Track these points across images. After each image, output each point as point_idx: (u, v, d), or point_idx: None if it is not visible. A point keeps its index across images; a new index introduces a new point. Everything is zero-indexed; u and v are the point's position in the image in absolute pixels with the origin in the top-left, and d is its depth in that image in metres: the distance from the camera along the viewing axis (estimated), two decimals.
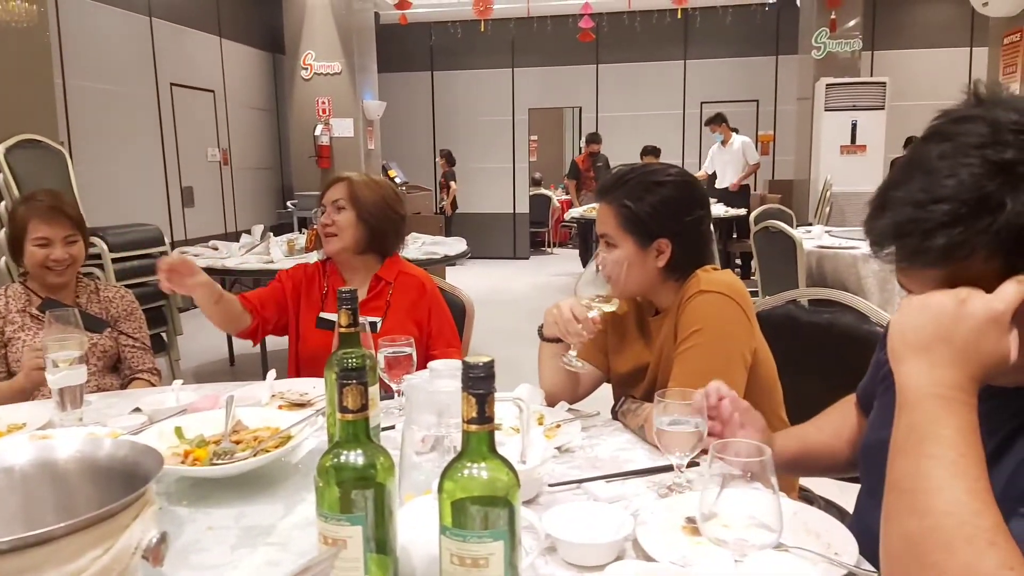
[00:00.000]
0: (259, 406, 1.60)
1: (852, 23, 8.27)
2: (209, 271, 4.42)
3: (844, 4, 7.99)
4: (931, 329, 0.77)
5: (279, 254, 4.57)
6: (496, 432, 0.72)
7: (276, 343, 5.12)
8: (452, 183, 10.51)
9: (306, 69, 8.48)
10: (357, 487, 0.73)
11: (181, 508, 1.18)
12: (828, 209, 7.35)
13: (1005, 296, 0.75)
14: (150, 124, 6.94)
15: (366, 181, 2.12)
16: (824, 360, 1.88)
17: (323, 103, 8.48)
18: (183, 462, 1.26)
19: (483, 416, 0.69)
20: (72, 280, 2.17)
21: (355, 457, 0.74)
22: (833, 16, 8.07)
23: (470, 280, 2.19)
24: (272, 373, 1.81)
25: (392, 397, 1.66)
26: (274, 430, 1.37)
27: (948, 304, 0.77)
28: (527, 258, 10.95)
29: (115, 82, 6.45)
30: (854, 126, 7.95)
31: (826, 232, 5.75)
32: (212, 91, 7.90)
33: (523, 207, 11.01)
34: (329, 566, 0.63)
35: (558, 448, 1.37)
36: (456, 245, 5.27)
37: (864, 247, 4.71)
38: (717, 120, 8.17)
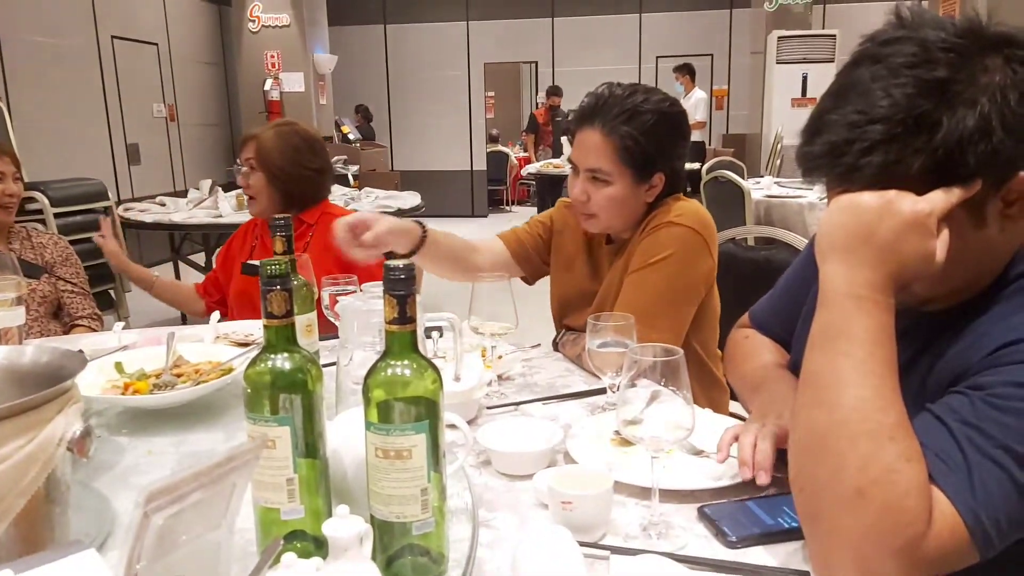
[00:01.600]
0: (200, 343, 1.60)
1: None
2: (156, 227, 4.38)
3: None
4: (854, 228, 0.78)
5: (228, 208, 4.50)
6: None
7: None
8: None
9: (253, 21, 8.25)
10: (285, 391, 0.75)
11: (121, 437, 1.20)
12: (779, 162, 7.45)
13: (932, 199, 0.77)
14: (92, 78, 6.71)
15: (276, 134, 2.05)
16: (759, 294, 1.95)
17: (272, 57, 8.28)
18: (123, 393, 1.26)
19: (404, 316, 0.72)
20: (10, 224, 2.15)
21: (282, 361, 0.76)
22: None
23: None
24: (216, 315, 1.82)
25: (337, 336, 1.67)
26: (215, 364, 1.39)
27: (873, 203, 0.78)
28: (485, 216, 10.93)
29: (53, 34, 6.20)
30: (804, 79, 8.03)
31: (775, 183, 5.86)
32: (156, 44, 7.65)
33: (480, 164, 10.94)
34: (254, 458, 0.66)
35: (499, 376, 1.41)
36: (410, 199, 5.26)
37: (810, 195, 4.86)
38: (684, 70, 8.18)
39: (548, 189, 8.70)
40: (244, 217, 4.46)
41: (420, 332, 0.85)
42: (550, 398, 1.33)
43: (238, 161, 2.08)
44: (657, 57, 10.33)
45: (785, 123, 7.90)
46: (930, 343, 0.88)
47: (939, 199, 0.77)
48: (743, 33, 9.74)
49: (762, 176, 6.43)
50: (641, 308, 1.36)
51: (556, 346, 1.63)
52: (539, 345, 1.63)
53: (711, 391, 1.60)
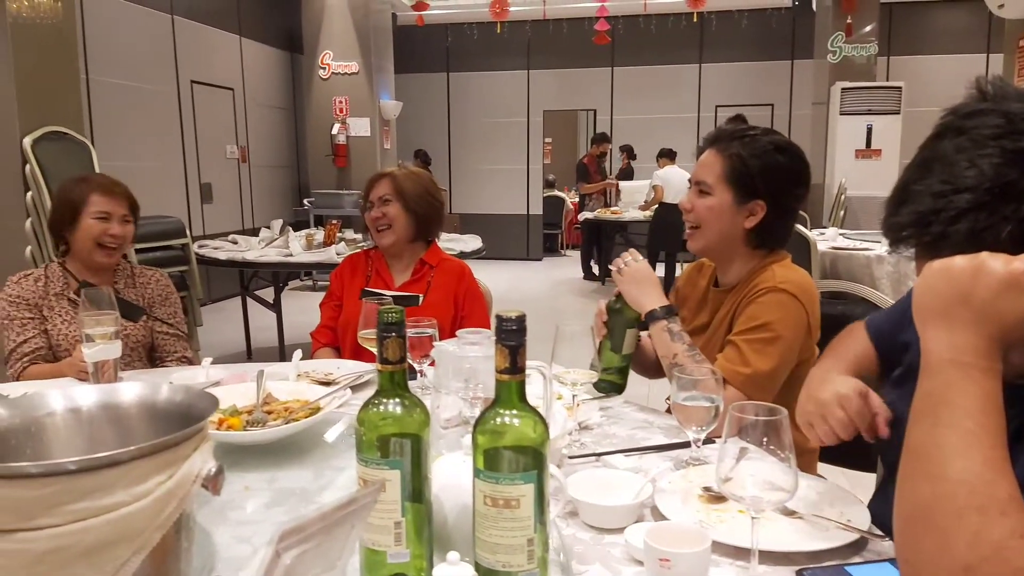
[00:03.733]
0: (287, 382, 1.65)
1: (868, 28, 8.27)
2: (230, 264, 4.53)
3: (859, 9, 8.00)
4: (949, 292, 0.78)
5: (298, 248, 4.64)
6: None
7: (292, 337, 5.21)
8: None
9: (324, 68, 8.56)
10: (396, 435, 0.77)
11: None
12: (843, 213, 7.34)
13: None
14: (171, 120, 7.04)
15: (407, 174, 2.25)
16: None
17: (340, 102, 8.56)
18: (218, 429, 1.31)
19: (515, 366, 0.74)
20: (114, 264, 2.17)
21: (394, 406, 0.78)
22: (849, 21, 8.07)
23: (485, 280, 2.25)
24: (298, 353, 1.86)
25: (414, 377, 1.71)
26: (303, 402, 1.42)
27: (966, 265, 0.77)
28: (540, 259, 10.99)
29: (137, 78, 6.55)
30: (869, 130, 7.94)
31: (840, 235, 5.76)
32: (231, 89, 8.00)
33: (537, 208, 11.05)
34: (372, 501, 0.68)
35: (579, 425, 1.41)
36: (471, 243, 5.34)
37: (878, 248, 4.76)
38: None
39: (596, 236, 8.72)
40: (312, 257, 4.60)
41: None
42: (633, 450, 1.33)
43: (368, 200, 2.21)
44: (716, 106, 10.35)
45: (849, 174, 7.80)
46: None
47: None
48: (805, 83, 9.71)
49: (826, 227, 6.34)
50: (736, 372, 1.44)
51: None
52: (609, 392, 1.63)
53: (800, 457, 1.59)
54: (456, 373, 1.05)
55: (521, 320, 0.73)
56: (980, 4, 8.94)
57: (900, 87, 7.83)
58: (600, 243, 8.79)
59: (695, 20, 9.67)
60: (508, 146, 10.89)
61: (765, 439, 0.86)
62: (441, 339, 1.68)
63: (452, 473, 0.83)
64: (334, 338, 2.19)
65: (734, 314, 1.56)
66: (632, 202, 8.46)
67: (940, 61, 9.61)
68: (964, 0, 9.34)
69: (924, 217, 0.80)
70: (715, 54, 10.31)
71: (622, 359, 1.59)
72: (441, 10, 9.83)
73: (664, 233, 7.50)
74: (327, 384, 1.69)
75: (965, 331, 0.77)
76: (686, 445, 1.33)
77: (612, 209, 8.65)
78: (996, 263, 0.76)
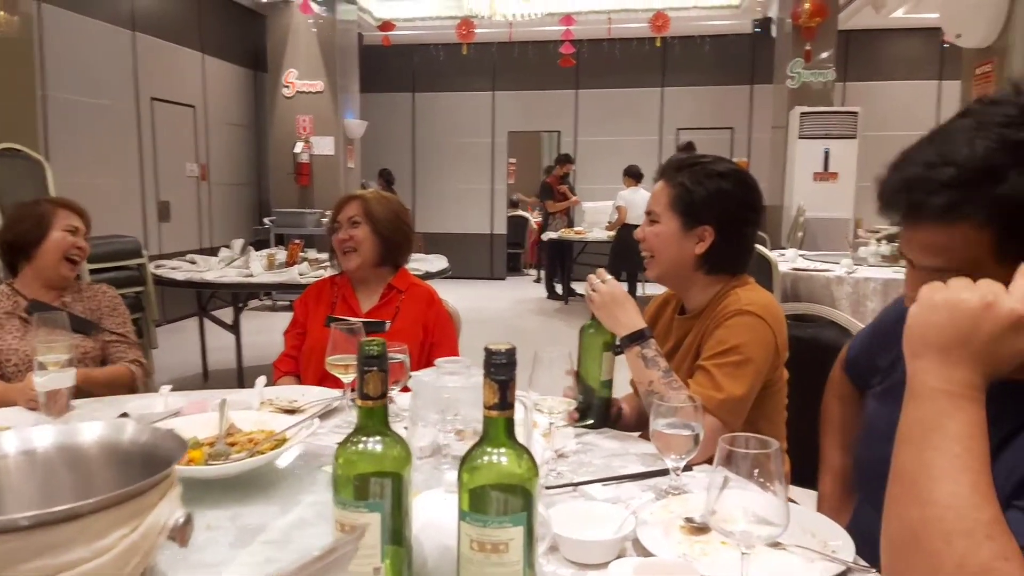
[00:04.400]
0: (251, 410, 1.59)
1: (826, 54, 8.48)
2: (187, 284, 4.42)
3: (818, 36, 8.19)
4: (952, 331, 0.78)
5: (259, 268, 4.54)
6: None
7: (251, 358, 5.09)
8: None
9: (288, 87, 8.49)
10: (376, 475, 0.74)
11: None
12: (801, 234, 7.47)
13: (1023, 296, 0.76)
14: (129, 137, 6.89)
15: (378, 197, 2.23)
16: (807, 373, 1.91)
17: (304, 121, 8.48)
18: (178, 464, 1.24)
19: (504, 402, 0.71)
20: (74, 278, 2.21)
21: (375, 444, 0.74)
22: (808, 47, 8.26)
23: (449, 299, 2.23)
24: (262, 379, 1.81)
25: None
26: (269, 432, 1.37)
27: (973, 306, 0.77)
28: (503, 279, 10.98)
29: (96, 94, 6.40)
30: (827, 154, 8.10)
31: (800, 255, 5.86)
32: (192, 106, 7.87)
33: (501, 228, 11.06)
34: (353, 549, 0.64)
35: (554, 452, 1.38)
36: (437, 263, 5.29)
37: (837, 269, 4.85)
38: (688, 149, 8.32)
39: (559, 255, 8.74)
40: (274, 277, 4.51)
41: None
42: (611, 479, 1.30)
43: (336, 222, 2.18)
44: (678, 129, 10.51)
45: (807, 196, 7.95)
46: (1013, 434, 0.86)
47: None
48: (764, 108, 9.89)
49: (785, 248, 6.43)
50: (709, 397, 1.42)
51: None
52: (590, 421, 1.60)
53: None
54: (434, 404, 1.02)
55: (511, 353, 0.70)
56: (933, 33, 9.27)
57: (856, 112, 8.01)
58: (564, 262, 8.81)
59: (658, 45, 9.81)
60: (473, 166, 10.90)
61: (756, 471, 0.84)
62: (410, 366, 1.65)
63: (433, 512, 0.79)
64: (296, 367, 2.13)
65: (701, 339, 1.55)
66: (596, 222, 8.50)
67: (894, 87, 9.91)
68: (918, 29, 9.65)
69: (908, 183, 0.84)
70: (677, 78, 10.47)
71: (601, 386, 1.56)
72: (408, 31, 9.83)
73: (626, 254, 7.54)
74: (292, 412, 1.64)
75: (961, 368, 0.77)
76: (665, 473, 1.30)
77: (576, 229, 8.69)
78: (1002, 308, 0.76)
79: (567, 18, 8.76)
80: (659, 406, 1.21)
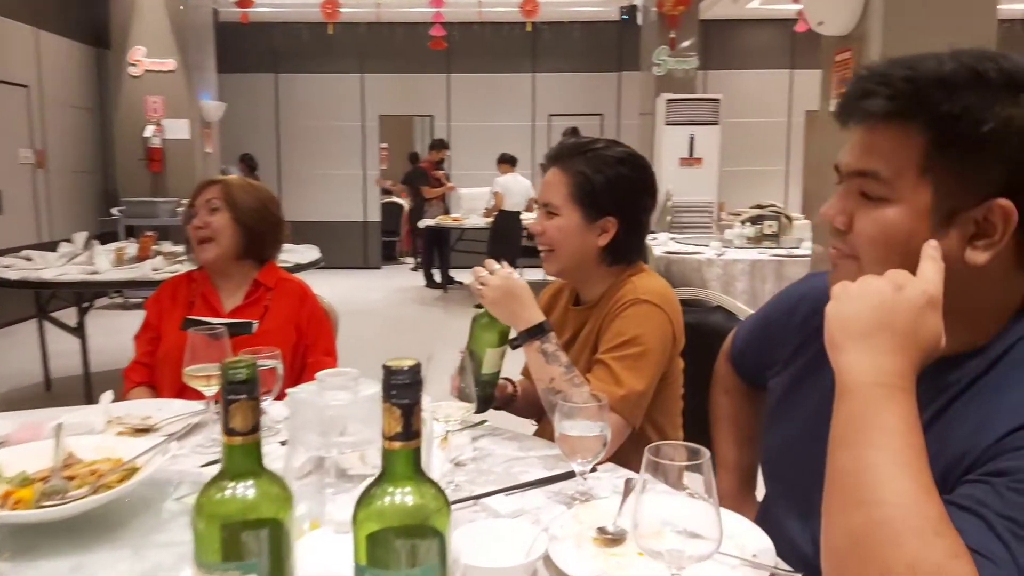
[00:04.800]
0: (94, 434, 1.37)
1: (688, 43, 8.76)
2: (22, 284, 3.94)
3: (682, 24, 8.44)
4: (871, 316, 0.76)
5: (105, 263, 4.11)
6: None
7: (100, 363, 4.61)
8: None
9: (135, 65, 7.80)
10: (249, 527, 0.59)
11: (1, 563, 0.97)
12: (670, 218, 7.70)
13: (932, 278, 0.76)
14: None
15: (242, 183, 2.01)
16: (694, 360, 1.90)
17: (155, 103, 7.84)
18: (2, 505, 1.03)
19: (409, 430, 0.58)
20: None
21: (246, 490, 0.60)
22: (673, 35, 8.50)
23: (322, 291, 2.07)
24: (108, 395, 1.58)
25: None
26: (116, 462, 1.17)
27: (886, 290, 0.77)
28: (379, 268, 10.69)
29: None
30: (691, 140, 8.38)
31: (671, 239, 6.02)
32: (25, 86, 7.08)
33: (375, 215, 10.76)
34: None
35: (451, 461, 1.27)
36: (308, 253, 5.02)
37: (707, 252, 5.00)
38: (574, 135, 8.40)
39: (436, 242, 8.60)
40: (123, 274, 4.10)
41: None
42: (514, 488, 1.20)
43: (192, 207, 1.94)
44: (550, 115, 10.58)
45: (674, 181, 8.20)
46: (935, 421, 0.83)
47: (935, 274, 0.77)
48: (632, 95, 10.12)
49: (656, 232, 6.60)
50: (612, 391, 1.35)
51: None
52: (485, 421, 1.50)
53: None
54: (315, 424, 0.87)
55: (416, 372, 0.58)
56: (786, 24, 9.78)
57: (719, 99, 8.32)
58: (441, 250, 8.67)
59: (528, 30, 9.81)
60: (343, 151, 10.52)
61: (685, 482, 0.76)
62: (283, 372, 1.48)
63: (319, 561, 0.66)
64: (150, 376, 1.89)
65: (599, 331, 1.48)
66: (473, 209, 8.41)
67: (751, 76, 10.41)
68: (772, 20, 10.15)
69: (870, 78, 0.82)
70: (548, 64, 10.53)
71: (492, 376, 1.46)
72: (267, 8, 9.29)
73: (504, 240, 7.52)
74: (146, 432, 1.43)
75: (889, 356, 0.74)
76: (570, 476, 1.22)
77: (453, 216, 8.57)
78: (914, 289, 0.76)
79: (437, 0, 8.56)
80: (563, 406, 1.12)
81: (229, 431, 0.59)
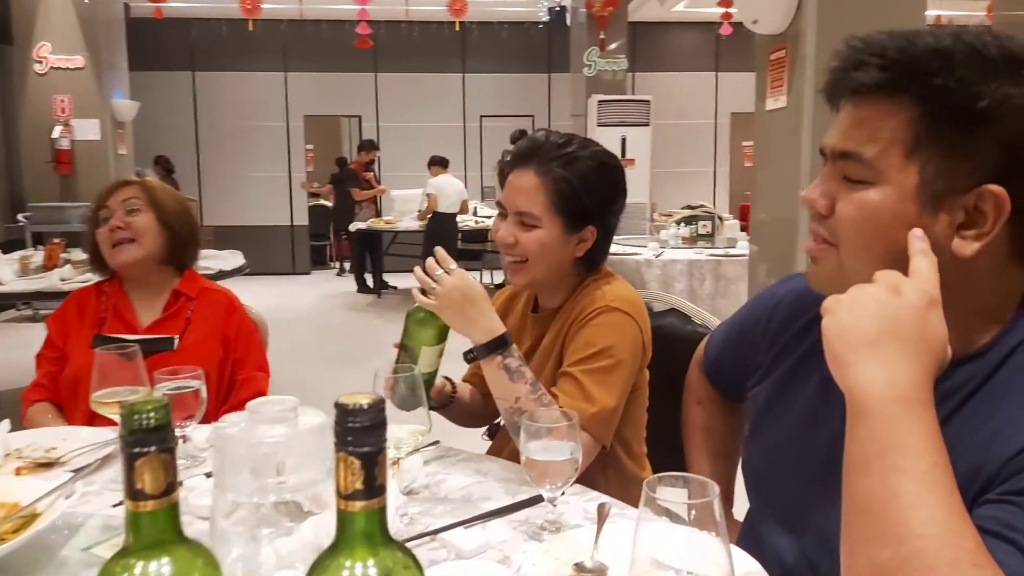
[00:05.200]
0: None
1: (616, 44, 8.79)
2: None
3: (611, 26, 8.46)
4: (873, 324, 0.69)
5: (9, 274, 3.80)
6: None
7: (9, 381, 4.24)
8: None
9: (40, 63, 7.31)
10: None
11: None
12: None
13: (928, 276, 0.71)
14: None
15: (160, 185, 1.87)
16: (652, 364, 1.82)
17: (62, 101, 7.36)
18: None
19: (372, 486, 0.46)
20: None
21: (160, 568, 0.46)
22: (602, 36, 8.51)
23: (249, 299, 1.93)
24: (6, 423, 1.38)
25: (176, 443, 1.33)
26: (11, 507, 1.00)
27: (882, 295, 0.70)
28: (308, 273, 10.36)
29: None
30: (624, 141, 8.41)
31: None
32: None
33: (302, 219, 10.42)
34: None
35: (403, 490, 1.14)
36: (232, 259, 4.78)
37: (645, 252, 4.99)
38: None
39: (368, 245, 8.37)
40: (29, 284, 3.79)
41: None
42: (475, 519, 1.08)
43: (104, 207, 1.76)
44: (481, 116, 10.48)
45: None
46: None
47: (930, 272, 0.71)
48: (563, 96, 10.11)
49: None
50: (582, 406, 1.24)
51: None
52: (437, 442, 1.37)
53: (635, 491, 1.44)
54: (247, 462, 0.73)
55: (378, 409, 0.46)
56: (710, 27, 9.94)
57: (649, 100, 8.38)
58: (374, 253, 8.45)
59: (457, 29, 9.68)
60: (267, 152, 10.15)
61: (693, 516, 0.66)
62: (207, 390, 1.33)
63: None
64: (56, 397, 1.69)
65: (564, 340, 1.36)
66: (406, 211, 8.22)
67: (678, 78, 10.54)
68: (697, 23, 10.31)
69: (863, 49, 0.77)
70: (477, 64, 10.43)
71: (427, 377, 1.31)
72: (183, 3, 8.89)
73: (440, 242, 7.32)
74: (50, 466, 1.25)
75: (900, 364, 0.67)
76: (536, 501, 1.11)
77: (386, 218, 8.36)
78: (912, 291, 0.70)
79: None
80: (529, 426, 1.01)
81: (135, 494, 0.46)
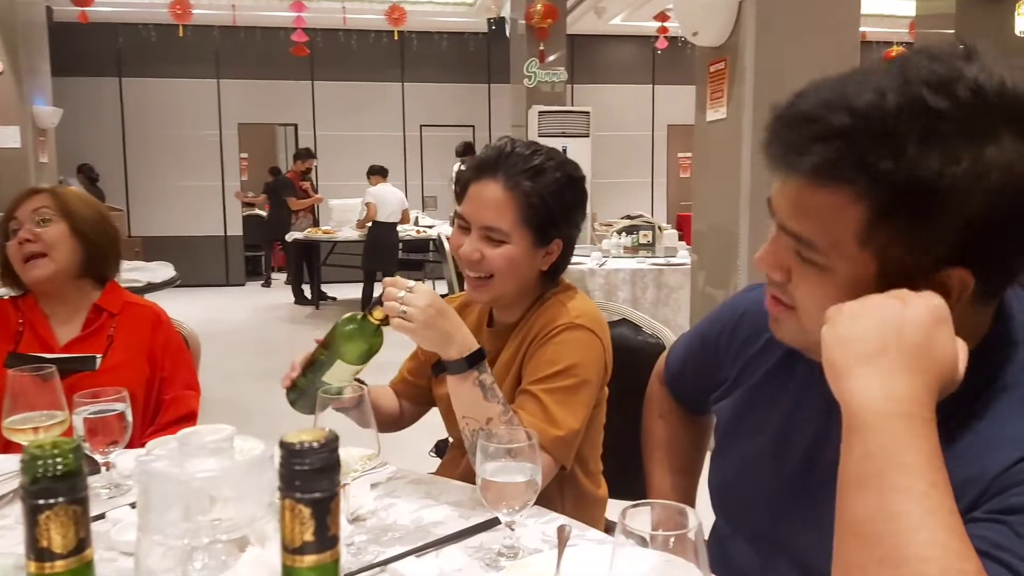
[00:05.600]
0: None
1: (555, 56, 8.83)
2: None
3: (550, 37, 8.50)
4: (877, 334, 0.65)
5: None
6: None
7: None
8: None
9: None
10: None
11: None
12: None
13: (938, 300, 0.67)
14: None
15: (74, 191, 1.74)
16: (619, 379, 1.78)
17: None
18: None
19: (324, 536, 0.40)
20: None
21: None
22: (542, 48, 8.54)
23: (179, 313, 1.82)
24: None
25: (97, 471, 1.23)
26: None
27: (889, 306, 0.67)
28: (243, 285, 10.06)
29: None
30: (564, 152, 8.44)
31: None
32: None
33: (236, 229, 10.13)
34: None
35: (349, 518, 1.07)
36: (161, 271, 4.59)
37: (589, 262, 4.99)
38: (469, 151, 8.28)
39: (306, 256, 8.17)
40: None
41: None
42: (428, 546, 1.01)
43: (13, 218, 1.63)
44: (421, 126, 10.40)
45: None
46: None
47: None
48: (503, 106, 10.11)
49: None
50: (546, 427, 1.19)
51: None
52: (385, 464, 1.30)
53: (592, 510, 1.40)
54: (176, 500, 0.66)
55: (330, 448, 0.40)
56: (646, 40, 10.10)
57: (589, 112, 8.45)
58: (312, 264, 8.25)
59: (396, 38, 9.59)
60: (199, 161, 9.85)
61: (672, 542, 0.61)
62: (133, 412, 1.23)
63: None
64: None
65: (524, 357, 1.30)
66: (345, 221, 8.06)
67: (615, 90, 10.67)
68: (634, 36, 10.46)
69: (797, 120, 0.70)
70: (417, 74, 10.35)
71: (326, 389, 1.14)
72: (109, 7, 8.56)
73: (379, 252, 7.24)
74: None
75: (900, 376, 0.64)
76: (492, 524, 1.06)
77: (324, 228, 8.18)
78: (920, 304, 0.66)
79: (298, 3, 8.17)
80: (486, 446, 0.96)
81: (40, 554, 0.38)
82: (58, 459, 0.38)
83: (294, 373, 1.22)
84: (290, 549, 0.39)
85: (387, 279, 1.20)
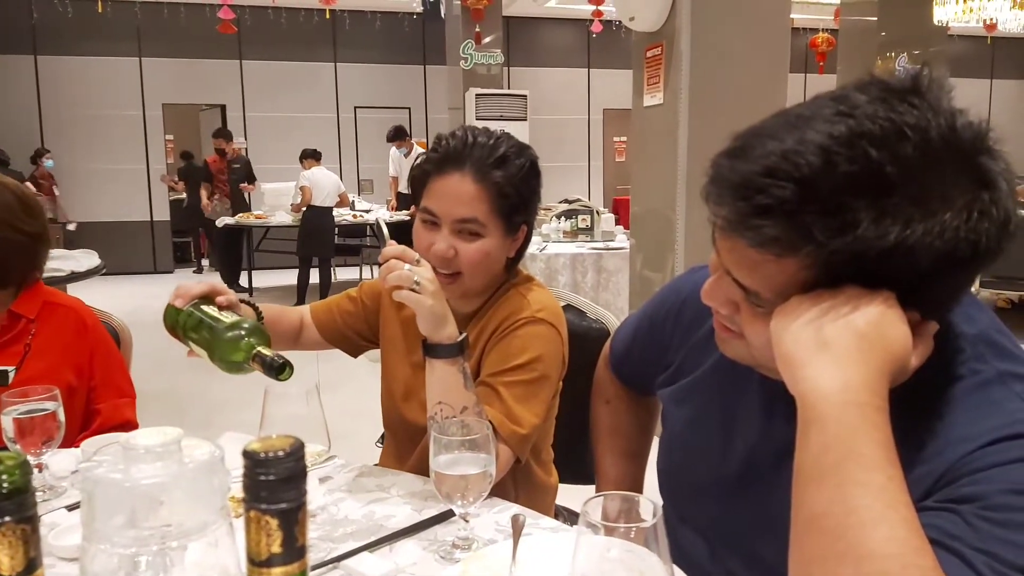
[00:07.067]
0: None
1: (491, 38, 8.77)
2: None
3: (486, 19, 8.43)
4: (828, 322, 0.66)
5: None
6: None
7: None
8: None
9: None
10: None
11: None
12: None
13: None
14: None
15: None
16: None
17: None
18: None
19: (292, 548, 0.38)
20: None
21: None
22: (478, 29, 8.47)
23: (106, 302, 1.74)
24: None
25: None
26: None
27: (838, 295, 0.67)
28: (171, 272, 9.74)
29: None
30: None
31: None
32: None
33: (163, 214, 9.77)
34: None
35: None
36: (86, 259, 4.38)
37: (530, 247, 5.00)
38: (401, 136, 8.14)
39: (235, 242, 7.92)
40: None
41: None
42: (381, 541, 1.00)
43: None
44: (355, 107, 10.20)
45: None
46: None
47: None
48: (439, 88, 10.01)
49: None
50: (507, 422, 1.18)
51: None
52: (333, 457, 1.28)
53: (544, 498, 1.41)
54: (119, 507, 0.63)
55: (296, 457, 0.38)
56: (583, 24, 10.12)
57: (526, 95, 8.42)
58: (244, 250, 8.01)
59: (327, 17, 9.36)
60: (122, 143, 9.44)
61: (633, 534, 0.62)
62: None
63: None
64: None
65: (484, 349, 1.28)
66: (278, 205, 7.85)
67: (552, 73, 10.68)
68: (570, 20, 10.47)
69: (741, 186, 0.67)
70: (350, 54, 10.14)
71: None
72: None
73: (315, 236, 7.09)
74: None
75: (854, 365, 0.64)
76: (446, 517, 1.05)
77: (256, 213, 7.95)
78: (868, 296, 0.67)
79: None
80: (439, 439, 0.95)
81: None
82: (3, 476, 0.36)
83: (179, 302, 1.18)
84: (256, 562, 0.38)
85: (390, 249, 1.14)
